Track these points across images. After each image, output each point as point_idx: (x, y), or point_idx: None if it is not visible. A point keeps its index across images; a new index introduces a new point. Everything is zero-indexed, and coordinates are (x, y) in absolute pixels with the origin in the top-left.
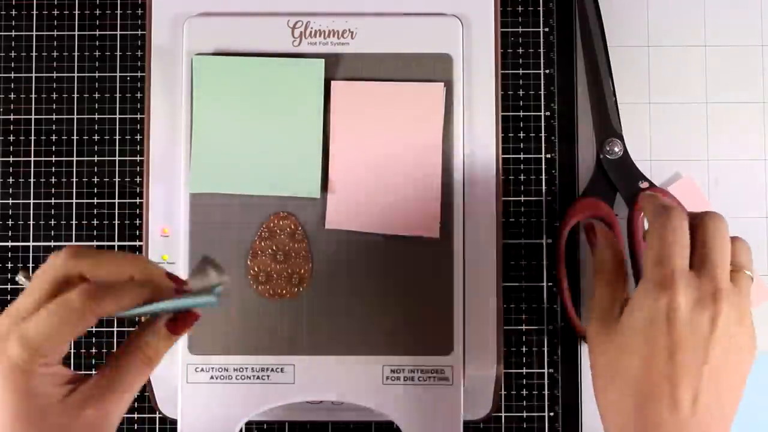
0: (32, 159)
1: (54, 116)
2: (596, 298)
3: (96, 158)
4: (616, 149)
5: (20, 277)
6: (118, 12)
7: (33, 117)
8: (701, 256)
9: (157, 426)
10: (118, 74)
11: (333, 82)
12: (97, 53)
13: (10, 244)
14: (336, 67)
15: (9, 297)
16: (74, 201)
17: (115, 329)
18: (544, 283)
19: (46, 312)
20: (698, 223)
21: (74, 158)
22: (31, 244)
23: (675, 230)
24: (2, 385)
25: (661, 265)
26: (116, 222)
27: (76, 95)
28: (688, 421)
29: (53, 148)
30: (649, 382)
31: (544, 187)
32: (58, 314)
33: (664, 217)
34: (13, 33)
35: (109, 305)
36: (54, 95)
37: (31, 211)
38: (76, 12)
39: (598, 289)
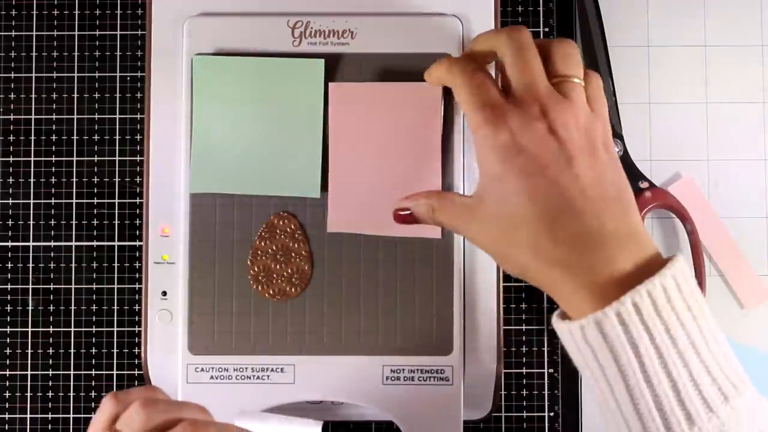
0: (32, 159)
1: (54, 116)
2: (448, 220)
3: (96, 158)
4: (616, 149)
5: None
6: (118, 12)
7: (33, 117)
8: (512, 78)
9: None
10: (118, 74)
11: (330, 84)
12: (97, 53)
13: (10, 244)
14: (336, 67)
15: (9, 297)
16: (74, 201)
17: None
18: None
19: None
20: (498, 48)
21: (74, 158)
22: (31, 244)
23: (475, 72)
24: None
25: (477, 109)
26: (116, 222)
27: (76, 95)
28: (595, 216)
29: (53, 148)
30: (542, 210)
31: None
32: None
33: (456, 66)
34: (13, 33)
35: None
36: (54, 95)
37: (31, 211)
38: (76, 12)
39: (442, 215)
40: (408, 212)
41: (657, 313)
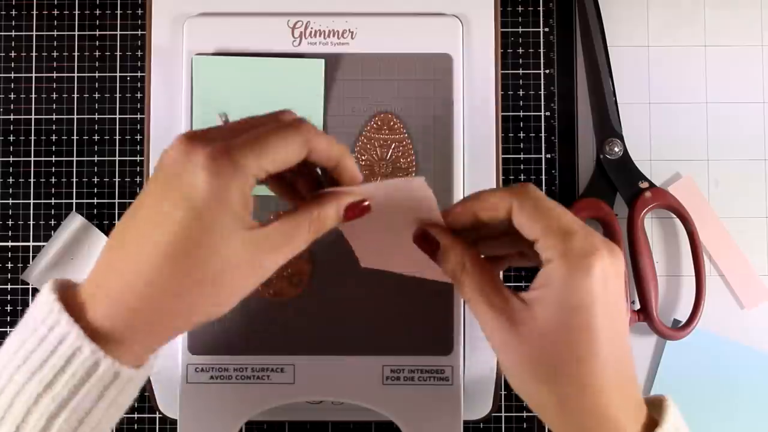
0: (32, 159)
1: (54, 116)
2: (481, 297)
3: (96, 158)
4: (616, 149)
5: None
6: (118, 12)
7: (33, 117)
8: (557, 219)
9: (157, 426)
10: (118, 74)
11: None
12: (97, 53)
13: (10, 244)
14: (336, 67)
15: (9, 297)
16: (74, 201)
17: None
18: None
19: (268, 128)
20: (511, 196)
21: (74, 158)
22: (31, 244)
23: (545, 196)
24: (215, 187)
25: (568, 235)
26: (116, 222)
27: (76, 95)
28: (614, 378)
29: (53, 148)
30: (602, 357)
31: (544, 187)
32: (280, 132)
33: (522, 189)
34: (13, 33)
35: (322, 141)
36: (54, 95)
37: (31, 211)
38: (76, 12)
39: (479, 289)
40: (433, 248)
41: None
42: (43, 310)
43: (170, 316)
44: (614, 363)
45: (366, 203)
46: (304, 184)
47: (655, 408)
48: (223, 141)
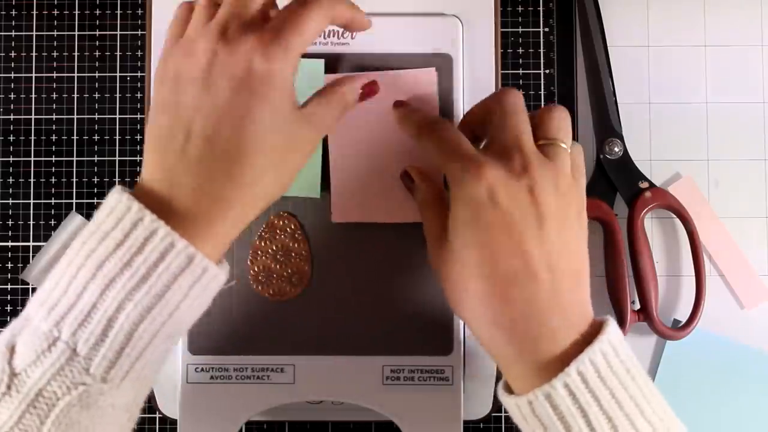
0: (32, 159)
1: (54, 116)
2: (426, 228)
3: (96, 158)
4: (616, 149)
5: None
6: (118, 12)
7: (33, 117)
8: (497, 135)
9: (157, 426)
10: (118, 74)
11: (325, 77)
12: (97, 53)
13: (10, 244)
14: (336, 67)
15: (9, 297)
16: (74, 201)
17: None
18: None
19: (296, 9)
20: (490, 106)
21: (74, 158)
22: (31, 244)
23: (447, 127)
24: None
25: (457, 158)
26: None
27: (76, 95)
28: (551, 287)
29: (53, 148)
30: (501, 268)
31: None
32: (308, 8)
33: (426, 124)
34: (13, 33)
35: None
36: (54, 95)
37: (31, 211)
38: (76, 12)
39: (426, 221)
40: (410, 181)
41: (601, 379)
42: (120, 210)
43: (246, 197)
44: (521, 280)
45: (376, 83)
46: None
47: (597, 325)
48: (263, 29)
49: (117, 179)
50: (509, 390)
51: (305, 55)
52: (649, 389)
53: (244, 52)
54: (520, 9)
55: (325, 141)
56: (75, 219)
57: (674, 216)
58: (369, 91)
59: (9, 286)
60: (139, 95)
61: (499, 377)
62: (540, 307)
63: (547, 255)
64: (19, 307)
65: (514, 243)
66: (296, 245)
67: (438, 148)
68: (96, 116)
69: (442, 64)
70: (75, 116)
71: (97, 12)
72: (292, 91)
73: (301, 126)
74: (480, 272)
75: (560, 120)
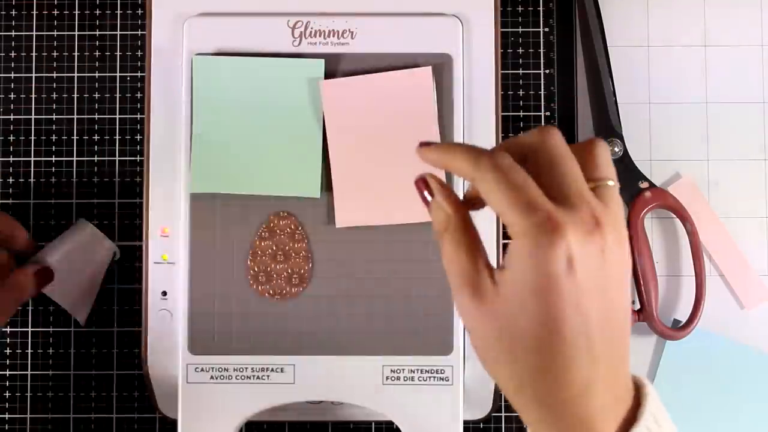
0: (32, 159)
1: (54, 116)
2: (453, 269)
3: (96, 158)
4: (616, 149)
5: None
6: (118, 12)
7: (33, 117)
8: (554, 183)
9: (157, 426)
10: (118, 74)
11: (322, 82)
12: (97, 53)
13: None
14: (336, 67)
15: None
16: (74, 201)
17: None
18: None
19: None
20: (530, 147)
21: (74, 158)
22: None
23: (513, 168)
24: None
25: (529, 212)
26: (116, 222)
27: (76, 95)
28: (609, 363)
29: (53, 148)
30: (565, 345)
31: None
32: None
33: (486, 160)
34: (13, 33)
35: None
36: (54, 95)
37: (31, 211)
38: (76, 12)
39: (454, 261)
40: (427, 196)
41: None
42: None
43: None
44: (583, 358)
45: (48, 270)
46: None
47: (636, 393)
48: None
49: (117, 179)
50: None
51: (305, 55)
52: None
53: None
54: (520, 9)
55: (324, 142)
56: (86, 228)
57: (674, 216)
58: (43, 279)
59: None
60: (139, 95)
61: None
62: (597, 387)
63: (609, 329)
64: (19, 307)
65: (582, 319)
66: (296, 245)
67: (505, 194)
68: (96, 116)
69: (442, 64)
70: (75, 116)
71: (97, 12)
72: None
73: None
74: (535, 346)
75: (605, 156)
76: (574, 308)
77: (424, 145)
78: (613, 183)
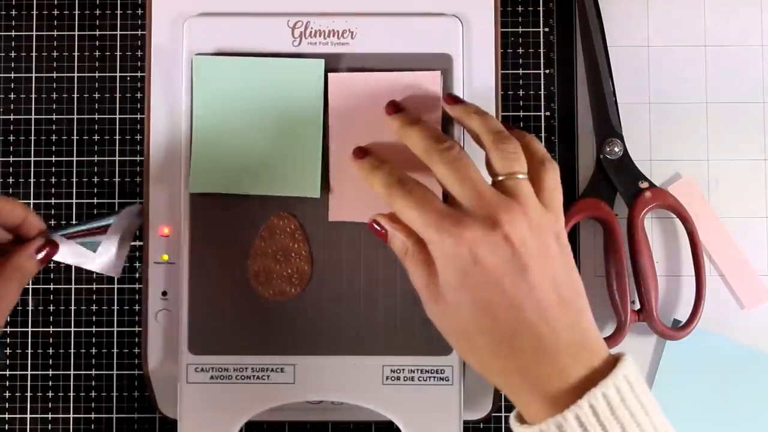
0: (32, 159)
1: (54, 116)
2: (415, 281)
3: (96, 158)
4: (616, 149)
5: None
6: (118, 12)
7: (33, 117)
8: (457, 190)
9: (157, 426)
10: (118, 74)
11: (330, 75)
12: (97, 53)
13: None
14: (336, 67)
15: None
16: (74, 201)
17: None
18: None
19: None
20: (430, 165)
21: (74, 158)
22: None
23: (416, 189)
24: None
25: (431, 222)
26: None
27: (76, 95)
28: (551, 329)
29: (53, 148)
30: (500, 322)
31: None
32: None
33: (396, 190)
34: (13, 33)
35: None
36: (54, 95)
37: None
38: (76, 12)
39: (414, 274)
40: (385, 232)
41: (612, 413)
42: None
43: None
44: (523, 328)
45: (54, 244)
46: None
47: (612, 359)
48: None
49: (117, 179)
50: (521, 420)
51: (305, 55)
52: (664, 428)
53: None
54: (520, 9)
55: (325, 141)
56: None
57: (674, 216)
58: (49, 253)
59: None
60: (139, 95)
61: None
62: (546, 350)
63: (538, 301)
64: (19, 307)
65: (506, 297)
66: (296, 245)
67: (415, 209)
68: (96, 116)
69: (442, 64)
70: (75, 116)
71: (97, 12)
72: None
73: None
74: (481, 327)
75: (513, 152)
76: (497, 291)
77: (359, 155)
78: (522, 176)
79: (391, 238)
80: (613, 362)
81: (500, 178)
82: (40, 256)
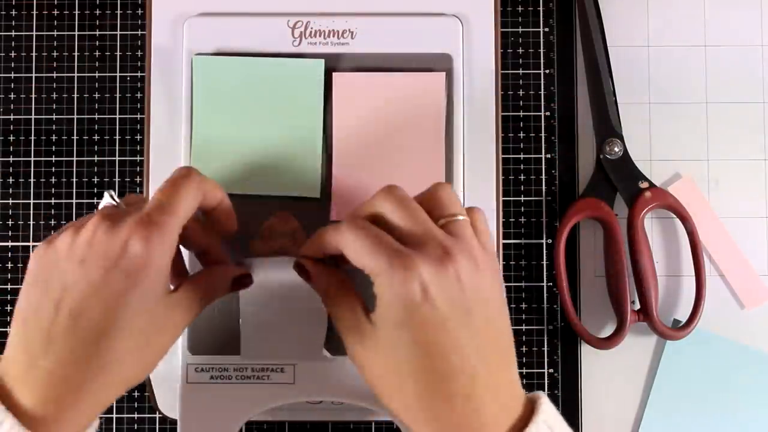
0: (32, 159)
1: (54, 116)
2: (338, 321)
3: (96, 158)
4: (616, 149)
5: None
6: (118, 12)
7: (33, 117)
8: (404, 229)
9: (157, 426)
10: (118, 74)
11: (335, 74)
12: (97, 53)
13: (10, 244)
14: (336, 67)
15: (9, 297)
16: (74, 201)
17: None
18: (544, 283)
19: (167, 188)
20: (378, 208)
21: (74, 158)
22: (31, 244)
23: (366, 225)
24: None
25: (383, 255)
26: None
27: (76, 95)
28: (487, 376)
29: (53, 148)
30: (439, 366)
31: (544, 187)
32: (178, 184)
33: (345, 227)
34: (13, 33)
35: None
36: (54, 95)
37: (31, 211)
38: (76, 12)
39: (337, 314)
40: (306, 273)
41: None
42: None
43: (103, 382)
44: (458, 374)
45: (249, 277)
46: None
47: (530, 405)
48: (137, 211)
49: (117, 179)
50: None
51: (305, 55)
52: None
53: (122, 234)
54: (520, 9)
55: (327, 140)
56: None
57: (674, 216)
58: (242, 283)
59: (9, 286)
60: (139, 95)
61: None
62: (479, 398)
63: (478, 346)
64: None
65: (451, 339)
66: (296, 245)
67: (364, 244)
68: (96, 116)
69: (442, 64)
70: (75, 116)
71: (97, 12)
72: (166, 274)
73: (171, 311)
74: (414, 370)
75: (450, 195)
76: (441, 331)
77: (298, 265)
78: (463, 217)
79: (315, 277)
80: (530, 407)
81: (442, 221)
82: (231, 282)
